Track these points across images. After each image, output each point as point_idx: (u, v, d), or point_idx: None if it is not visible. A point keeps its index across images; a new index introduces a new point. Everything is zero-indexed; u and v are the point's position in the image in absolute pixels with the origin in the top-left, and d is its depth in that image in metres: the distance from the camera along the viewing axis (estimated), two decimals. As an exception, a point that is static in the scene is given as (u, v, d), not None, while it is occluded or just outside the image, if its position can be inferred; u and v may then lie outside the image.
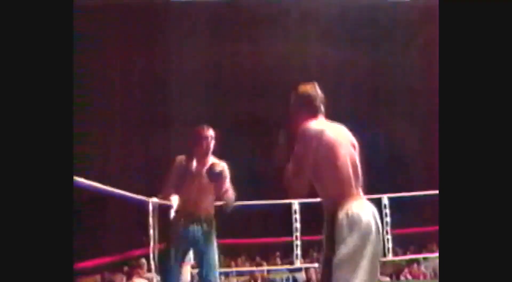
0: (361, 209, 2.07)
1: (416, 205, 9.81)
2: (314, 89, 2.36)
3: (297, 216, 6.58)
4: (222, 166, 3.29)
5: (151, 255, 5.34)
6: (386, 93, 13.80)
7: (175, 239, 3.44)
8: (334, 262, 2.00)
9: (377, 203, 6.80)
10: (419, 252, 9.33)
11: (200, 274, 3.41)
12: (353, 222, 2.01)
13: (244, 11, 13.59)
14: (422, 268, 8.42)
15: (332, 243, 2.03)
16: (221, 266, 5.92)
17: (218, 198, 3.41)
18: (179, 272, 3.58)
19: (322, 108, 2.34)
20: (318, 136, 2.14)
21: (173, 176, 3.43)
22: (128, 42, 13.26)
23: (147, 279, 5.56)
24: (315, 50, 13.51)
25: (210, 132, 3.42)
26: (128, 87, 13.32)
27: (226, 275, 7.88)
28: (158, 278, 5.54)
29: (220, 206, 3.47)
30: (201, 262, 3.39)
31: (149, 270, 5.49)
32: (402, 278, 7.85)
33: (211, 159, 3.41)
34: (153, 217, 5.36)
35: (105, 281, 5.51)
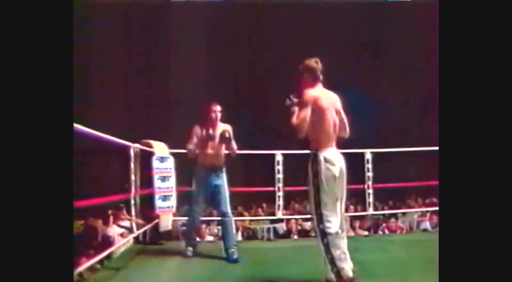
0: (332, 154, 3.20)
1: (398, 160, 9.91)
2: (316, 63, 3.34)
3: (280, 167, 6.55)
4: (229, 131, 4.48)
5: (132, 201, 5.29)
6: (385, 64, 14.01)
7: (201, 186, 4.61)
8: (322, 186, 3.13)
9: (361, 157, 6.81)
10: (398, 207, 9.49)
11: (218, 208, 4.68)
12: (327, 162, 3.15)
13: (244, 11, 13.84)
14: (399, 222, 8.55)
15: (317, 174, 3.14)
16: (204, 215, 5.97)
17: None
18: (203, 212, 5.10)
19: (321, 77, 3.31)
20: (314, 102, 3.16)
21: (192, 139, 4.54)
22: (128, 42, 13.39)
23: (129, 222, 5.55)
24: (315, 48, 13.59)
25: (218, 108, 4.58)
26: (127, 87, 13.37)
27: (208, 223, 7.92)
28: (141, 221, 5.54)
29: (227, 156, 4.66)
30: (219, 200, 4.60)
31: (130, 214, 5.46)
32: (380, 232, 7.96)
33: (220, 125, 4.56)
34: (134, 162, 5.28)
35: (88, 226, 5.49)
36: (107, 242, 4.89)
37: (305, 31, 13.94)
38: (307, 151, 3.30)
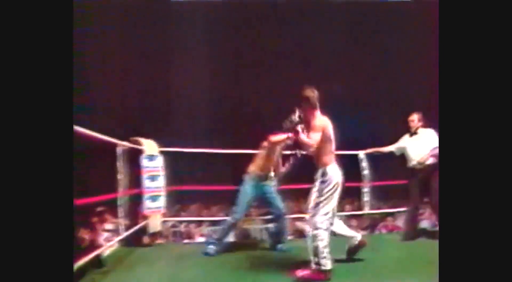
0: (336, 169, 4.00)
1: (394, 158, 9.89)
2: (312, 92, 4.00)
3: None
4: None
5: (119, 201, 5.20)
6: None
7: (249, 193, 5.01)
8: (327, 192, 3.88)
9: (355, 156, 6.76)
10: (396, 206, 9.44)
11: (275, 212, 5.13)
12: (333, 175, 3.94)
13: (244, 10, 13.95)
14: (397, 221, 8.50)
15: (324, 183, 3.89)
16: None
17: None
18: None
19: (317, 103, 4.00)
20: (323, 129, 3.91)
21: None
22: (128, 42, 13.50)
23: (114, 224, 5.47)
24: (315, 48, 14.03)
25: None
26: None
27: (199, 224, 7.85)
28: (126, 222, 5.46)
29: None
30: (273, 204, 5.10)
31: (117, 216, 5.38)
32: (377, 231, 7.93)
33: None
34: (122, 161, 5.20)
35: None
36: (95, 248, 4.79)
37: (305, 31, 14.11)
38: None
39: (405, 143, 5.81)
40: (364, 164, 6.80)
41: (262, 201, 5.26)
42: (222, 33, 13.96)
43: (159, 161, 5.86)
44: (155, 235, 5.82)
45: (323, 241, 3.77)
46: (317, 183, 3.92)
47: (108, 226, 5.71)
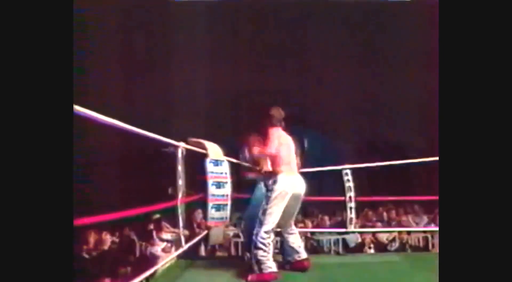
0: (287, 179, 4.11)
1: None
2: (277, 111, 4.26)
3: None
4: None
5: (179, 209, 4.84)
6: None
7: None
8: (271, 199, 4.00)
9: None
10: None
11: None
12: (281, 184, 4.08)
13: (244, 11, 14.47)
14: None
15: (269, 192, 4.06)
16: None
17: None
18: None
19: (281, 122, 4.26)
20: (276, 141, 4.10)
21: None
22: (128, 42, 14.16)
23: (173, 234, 5.13)
24: (315, 48, 14.39)
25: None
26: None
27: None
28: (186, 232, 5.11)
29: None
30: None
31: (176, 225, 5.03)
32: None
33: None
34: (181, 165, 4.82)
35: (124, 239, 5.11)
36: (151, 259, 4.46)
37: (305, 31, 14.54)
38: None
39: None
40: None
41: None
42: (222, 33, 14.37)
43: (225, 167, 5.42)
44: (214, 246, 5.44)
45: (264, 248, 3.86)
46: (268, 191, 4.06)
47: (166, 235, 5.36)
